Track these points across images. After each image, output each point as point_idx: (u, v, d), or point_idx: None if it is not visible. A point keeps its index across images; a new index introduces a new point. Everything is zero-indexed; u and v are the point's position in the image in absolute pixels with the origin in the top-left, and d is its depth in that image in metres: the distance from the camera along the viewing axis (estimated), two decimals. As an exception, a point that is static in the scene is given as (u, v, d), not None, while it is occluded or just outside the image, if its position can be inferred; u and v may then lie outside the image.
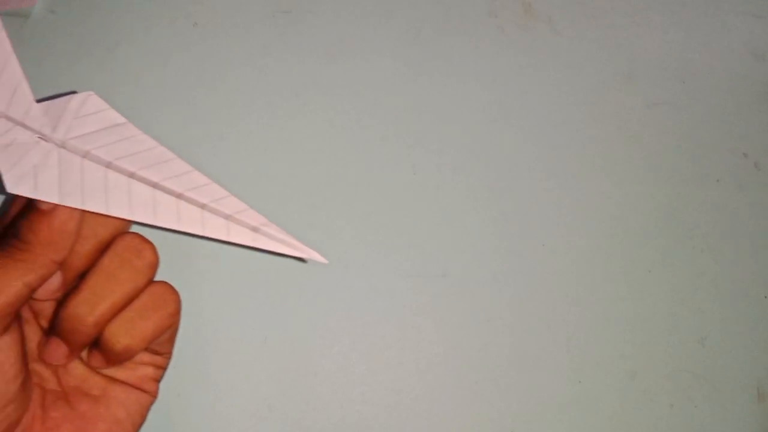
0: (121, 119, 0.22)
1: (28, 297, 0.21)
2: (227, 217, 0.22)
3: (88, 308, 0.21)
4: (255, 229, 0.22)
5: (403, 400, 0.31)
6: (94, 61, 0.33)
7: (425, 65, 0.36)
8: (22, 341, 0.22)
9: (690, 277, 0.35)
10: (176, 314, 0.23)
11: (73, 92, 0.22)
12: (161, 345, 0.25)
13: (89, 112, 0.22)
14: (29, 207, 0.21)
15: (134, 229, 0.23)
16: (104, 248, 0.22)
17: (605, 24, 0.39)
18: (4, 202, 0.30)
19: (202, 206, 0.22)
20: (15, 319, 0.21)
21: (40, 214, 0.20)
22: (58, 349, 0.22)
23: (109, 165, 0.21)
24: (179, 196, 0.22)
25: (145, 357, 0.25)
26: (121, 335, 0.22)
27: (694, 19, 0.40)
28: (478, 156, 0.35)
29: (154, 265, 0.23)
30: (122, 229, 0.23)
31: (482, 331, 0.32)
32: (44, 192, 0.20)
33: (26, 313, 0.24)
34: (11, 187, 0.20)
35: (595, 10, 0.39)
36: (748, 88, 0.39)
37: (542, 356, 0.32)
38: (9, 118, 0.21)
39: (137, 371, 0.25)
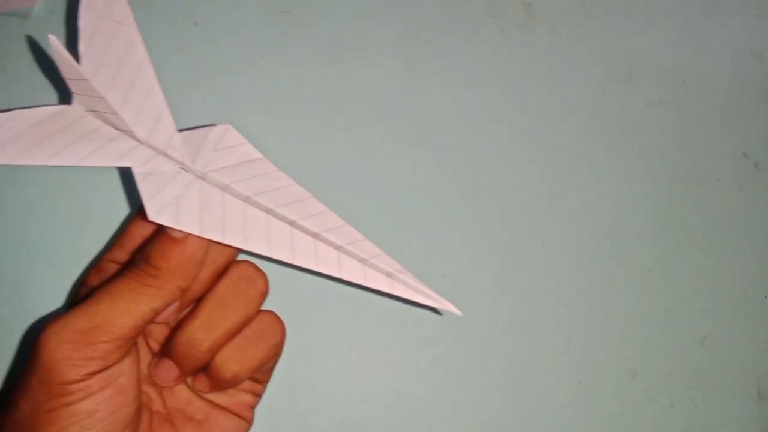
0: (258, 154, 0.23)
1: (151, 321, 0.21)
2: (363, 261, 0.22)
3: (204, 334, 0.22)
4: (390, 275, 0.22)
5: (403, 400, 0.31)
6: (94, 61, 0.33)
7: (425, 65, 0.36)
8: (139, 364, 0.22)
9: (690, 277, 0.35)
10: (282, 344, 0.24)
11: (212, 125, 0.23)
12: (263, 373, 0.25)
13: (228, 146, 0.22)
14: (160, 233, 0.21)
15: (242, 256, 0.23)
16: (220, 275, 0.23)
17: (605, 24, 0.39)
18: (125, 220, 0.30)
19: (338, 248, 0.22)
20: (135, 343, 0.22)
21: (173, 242, 0.21)
22: (169, 372, 0.23)
23: (247, 200, 0.21)
24: (315, 236, 0.21)
25: (246, 384, 0.25)
26: (231, 362, 0.22)
27: (694, 19, 0.40)
28: (478, 156, 0.35)
29: (265, 294, 0.23)
30: (235, 256, 0.23)
31: (482, 331, 0.32)
32: (186, 223, 0.20)
33: None
34: (154, 216, 0.20)
35: (595, 10, 0.39)
36: (748, 88, 0.39)
37: (542, 356, 0.32)
38: (151, 147, 0.21)
39: (237, 398, 0.25)
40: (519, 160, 0.35)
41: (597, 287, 0.34)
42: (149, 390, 0.24)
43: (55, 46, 0.20)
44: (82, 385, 0.20)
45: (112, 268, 0.24)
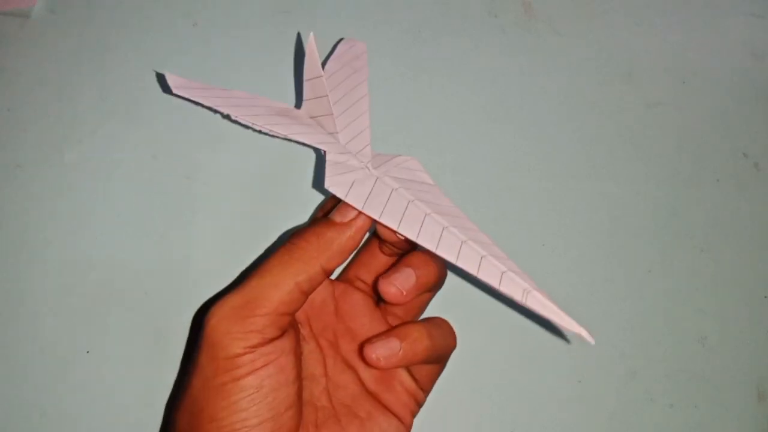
0: (431, 181, 0.26)
1: (301, 300, 0.23)
2: (503, 272, 0.23)
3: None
4: (526, 290, 0.23)
5: (403, 400, 0.31)
6: (94, 61, 0.33)
7: (425, 65, 0.36)
8: (299, 349, 0.24)
9: (690, 277, 0.35)
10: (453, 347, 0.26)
11: (400, 155, 0.27)
12: (426, 380, 0.26)
13: (408, 168, 0.26)
14: (323, 218, 0.24)
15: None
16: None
17: (605, 24, 0.39)
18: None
19: (482, 256, 0.23)
20: (292, 326, 0.23)
21: (330, 223, 0.23)
22: (408, 279, 0.24)
23: (411, 202, 0.24)
24: (463, 242, 0.23)
25: (411, 387, 0.26)
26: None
27: (694, 19, 0.40)
28: (478, 156, 0.35)
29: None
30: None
31: (482, 331, 0.32)
32: (353, 198, 0.23)
33: (305, 330, 0.26)
34: (328, 185, 0.23)
35: (595, 10, 0.39)
36: (748, 88, 0.39)
37: (542, 356, 0.32)
38: (347, 150, 0.26)
39: (401, 398, 0.26)
40: (519, 160, 0.35)
41: (597, 287, 0.34)
42: (312, 386, 0.25)
43: (312, 46, 0.25)
44: (246, 359, 0.21)
45: (358, 283, 0.28)
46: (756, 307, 0.35)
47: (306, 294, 0.23)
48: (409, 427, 0.26)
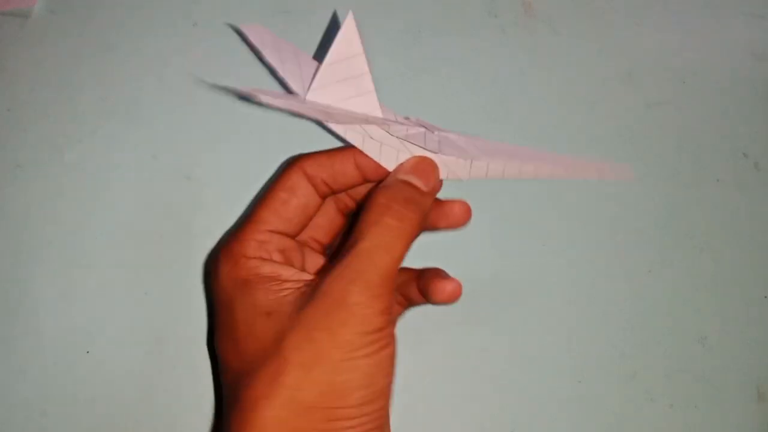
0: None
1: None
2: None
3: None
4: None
5: (403, 400, 0.31)
6: (94, 61, 0.33)
7: (425, 65, 0.36)
8: None
9: (690, 277, 0.35)
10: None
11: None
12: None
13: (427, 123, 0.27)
14: (404, 182, 0.25)
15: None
16: None
17: (605, 24, 0.39)
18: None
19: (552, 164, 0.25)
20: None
21: (420, 192, 0.25)
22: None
23: (466, 138, 0.27)
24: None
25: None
26: None
27: (694, 19, 0.40)
28: (478, 156, 0.35)
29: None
30: None
31: (482, 331, 0.32)
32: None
33: None
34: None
35: (595, 10, 0.39)
36: (748, 88, 0.39)
37: (542, 356, 0.32)
38: (401, 122, 0.26)
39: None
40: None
41: (597, 287, 0.34)
42: None
43: (350, 24, 0.25)
44: (388, 330, 0.23)
45: (275, 238, 0.26)
46: (756, 307, 0.35)
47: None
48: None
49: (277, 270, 0.24)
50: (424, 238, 0.33)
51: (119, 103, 0.33)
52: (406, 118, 0.27)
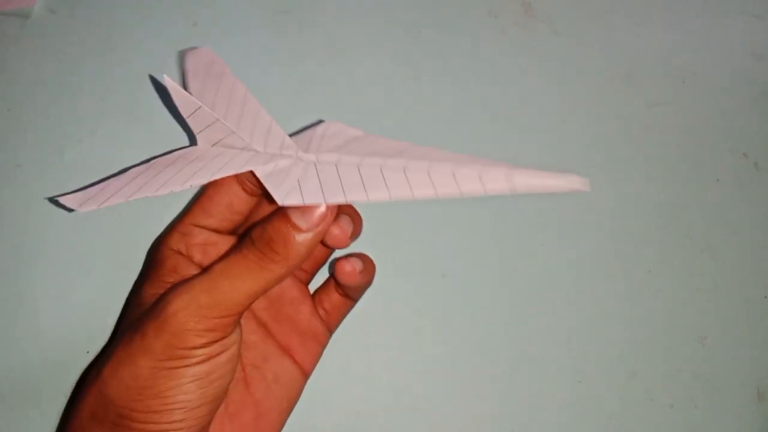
0: (361, 132, 0.25)
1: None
2: (479, 174, 0.24)
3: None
4: (507, 175, 0.23)
5: (403, 400, 0.31)
6: (94, 61, 0.33)
7: (425, 65, 0.36)
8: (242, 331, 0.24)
9: (690, 277, 0.35)
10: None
11: (321, 120, 0.26)
12: (336, 318, 0.29)
13: (333, 133, 0.25)
14: (281, 218, 0.23)
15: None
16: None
17: (605, 24, 0.39)
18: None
19: (452, 173, 0.23)
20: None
21: (295, 228, 0.23)
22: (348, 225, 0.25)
23: (360, 163, 0.23)
24: (428, 170, 0.23)
25: (323, 337, 0.28)
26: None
27: (694, 19, 0.40)
28: (477, 156, 0.35)
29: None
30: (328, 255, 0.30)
31: (482, 331, 0.32)
32: (310, 196, 0.22)
33: None
34: (282, 200, 0.22)
35: (595, 10, 0.39)
36: (748, 88, 0.39)
37: (542, 356, 0.32)
38: (268, 152, 0.24)
39: (306, 346, 0.28)
40: (518, 160, 0.35)
41: (597, 287, 0.34)
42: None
43: (171, 85, 0.23)
44: (203, 350, 0.22)
45: (196, 231, 0.26)
46: (756, 307, 0.35)
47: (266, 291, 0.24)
48: (308, 374, 0.28)
49: (179, 263, 0.25)
50: (425, 239, 0.33)
51: (119, 103, 0.33)
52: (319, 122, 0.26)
